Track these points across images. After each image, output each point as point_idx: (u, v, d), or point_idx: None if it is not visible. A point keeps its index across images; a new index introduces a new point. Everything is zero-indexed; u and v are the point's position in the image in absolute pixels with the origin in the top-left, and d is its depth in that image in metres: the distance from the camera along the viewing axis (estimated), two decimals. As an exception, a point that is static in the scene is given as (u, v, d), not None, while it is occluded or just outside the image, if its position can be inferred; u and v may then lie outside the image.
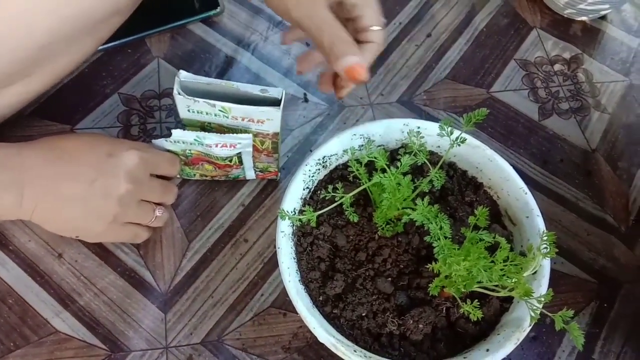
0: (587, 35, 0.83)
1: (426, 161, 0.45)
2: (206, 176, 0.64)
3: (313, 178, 0.51)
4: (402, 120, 0.52)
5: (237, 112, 0.53)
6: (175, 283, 0.60)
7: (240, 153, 0.49)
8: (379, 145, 0.54)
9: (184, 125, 0.57)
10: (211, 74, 0.74)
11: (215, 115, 0.54)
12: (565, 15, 0.83)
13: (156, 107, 0.71)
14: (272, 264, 0.62)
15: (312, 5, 0.48)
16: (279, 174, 0.66)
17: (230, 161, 0.45)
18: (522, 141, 0.73)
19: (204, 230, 0.63)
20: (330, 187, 0.46)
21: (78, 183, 0.50)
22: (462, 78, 0.77)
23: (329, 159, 0.52)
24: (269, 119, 0.54)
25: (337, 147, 0.52)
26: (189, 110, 0.54)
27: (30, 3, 0.49)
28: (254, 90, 0.53)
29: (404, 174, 0.46)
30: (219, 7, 0.77)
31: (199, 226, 0.63)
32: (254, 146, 0.59)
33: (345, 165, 0.53)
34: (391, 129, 0.53)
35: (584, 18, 0.83)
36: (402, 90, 0.75)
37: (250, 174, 0.64)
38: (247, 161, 0.60)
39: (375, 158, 0.44)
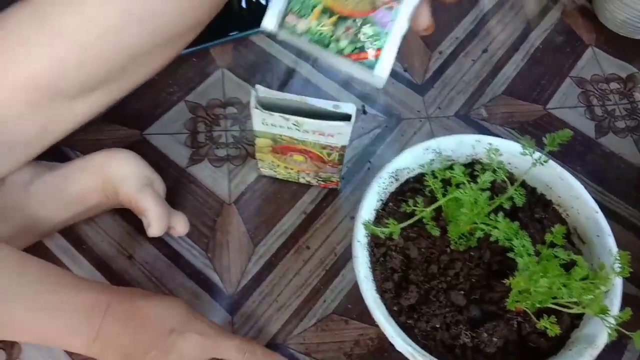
0: (643, 54, 0.83)
1: (505, 179, 0.46)
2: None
3: (386, 190, 0.53)
4: (474, 136, 0.54)
5: (309, 126, 0.55)
6: (242, 286, 0.62)
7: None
8: (449, 160, 0.55)
9: (254, 135, 0.59)
10: (272, 84, 0.76)
11: (288, 128, 0.56)
12: (621, 34, 0.83)
13: (221, 116, 0.73)
14: (334, 271, 0.63)
15: None
16: (340, 183, 0.67)
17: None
18: (578, 158, 0.73)
19: (268, 236, 0.65)
20: (410, 201, 0.47)
21: (136, 347, 0.49)
22: (518, 94, 0.78)
23: (401, 172, 0.53)
24: (339, 133, 0.55)
25: (409, 161, 0.53)
26: (263, 123, 0.56)
27: (124, 18, 0.52)
28: (327, 105, 0.54)
29: (481, 190, 0.47)
30: (281, 19, 0.79)
31: (264, 231, 0.65)
32: (320, 157, 0.61)
33: (415, 178, 0.55)
34: (463, 144, 0.54)
35: (640, 37, 0.83)
36: (459, 104, 0.77)
37: (386, 63, 0.42)
38: (405, 12, 0.42)
39: (455, 175, 0.45)
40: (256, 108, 0.55)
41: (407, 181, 0.54)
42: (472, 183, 0.47)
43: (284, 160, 0.63)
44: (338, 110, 0.55)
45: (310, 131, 0.56)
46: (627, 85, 0.80)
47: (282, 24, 0.40)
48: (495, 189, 0.50)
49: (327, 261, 0.64)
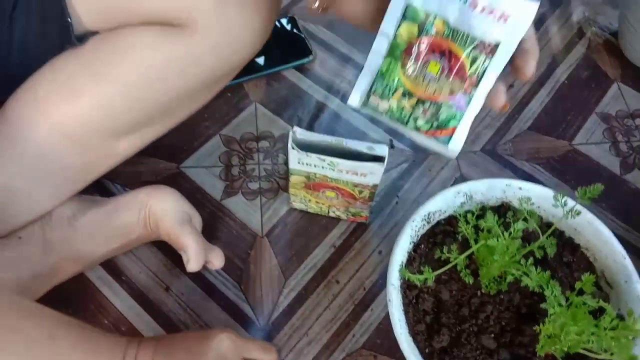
0: (668, 90, 0.84)
1: (537, 227, 0.48)
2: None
3: (418, 233, 0.54)
4: (504, 180, 0.55)
5: (343, 166, 0.57)
6: (273, 319, 0.64)
7: (496, 48, 0.39)
8: (479, 202, 0.56)
9: (288, 173, 0.62)
10: (303, 118, 0.78)
11: (323, 167, 0.59)
12: (647, 70, 0.84)
13: (254, 149, 0.75)
14: (363, 305, 0.65)
15: None
16: (368, 218, 0.69)
17: (473, 62, 0.39)
18: (604, 195, 0.73)
19: (298, 269, 0.67)
20: (445, 247, 0.49)
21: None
22: (544, 129, 0.79)
23: (433, 214, 0.55)
24: (372, 173, 0.58)
25: (441, 204, 0.55)
26: (299, 162, 0.59)
27: (168, 64, 0.55)
28: (362, 147, 0.57)
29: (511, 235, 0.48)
30: (311, 55, 0.82)
31: (294, 265, 0.67)
32: (350, 194, 0.63)
33: (446, 220, 0.56)
34: (493, 188, 0.55)
35: (665, 73, 0.84)
36: (485, 139, 0.78)
37: (461, 136, 0.43)
38: (487, 85, 0.42)
39: (489, 227, 0.47)
40: (293, 149, 0.57)
41: (438, 223, 0.56)
42: (503, 229, 0.48)
43: (316, 196, 0.65)
44: (372, 152, 0.57)
45: (344, 170, 0.58)
46: (652, 122, 0.81)
47: (365, 102, 0.42)
48: (527, 234, 0.52)
49: (356, 295, 0.66)
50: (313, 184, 0.63)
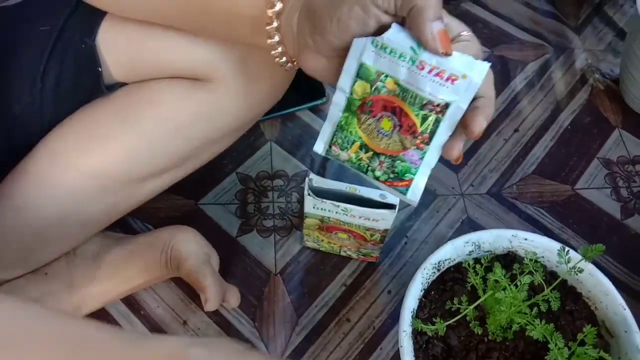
0: (667, 137, 0.87)
1: (542, 281, 0.50)
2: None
3: (428, 280, 0.57)
4: (510, 231, 0.58)
5: (356, 212, 0.61)
6: (286, 356, 0.66)
7: (447, 108, 0.39)
8: (487, 251, 0.59)
9: (303, 216, 0.65)
10: (316, 158, 0.81)
11: (337, 212, 0.62)
12: (647, 117, 0.88)
13: (269, 187, 0.78)
14: (372, 344, 0.67)
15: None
16: (379, 258, 0.72)
17: (424, 120, 0.40)
18: (605, 239, 0.77)
19: (310, 307, 0.70)
20: (455, 299, 0.52)
21: None
22: (547, 174, 0.82)
23: (443, 262, 0.58)
24: (383, 219, 0.61)
25: (450, 253, 0.58)
26: (314, 207, 0.62)
27: (194, 117, 0.58)
28: (374, 195, 0.60)
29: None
30: (324, 97, 0.86)
31: (307, 303, 0.70)
32: (362, 236, 0.66)
33: (455, 267, 0.59)
34: (500, 238, 0.58)
35: (664, 120, 0.88)
36: (491, 182, 0.81)
37: (419, 185, 0.45)
38: (440, 140, 0.43)
39: (496, 278, 0.50)
40: (309, 195, 0.60)
41: (448, 270, 0.59)
42: (509, 281, 0.51)
43: (329, 237, 0.68)
44: (384, 200, 0.60)
45: (357, 216, 0.61)
46: (652, 168, 0.84)
47: (328, 151, 0.45)
48: (532, 284, 0.54)
49: (366, 334, 0.68)
50: (327, 227, 0.66)
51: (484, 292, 0.53)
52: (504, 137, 0.86)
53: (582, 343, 0.50)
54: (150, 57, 0.57)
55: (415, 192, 0.43)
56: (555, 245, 0.56)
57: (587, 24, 1.00)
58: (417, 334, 0.55)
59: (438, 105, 0.39)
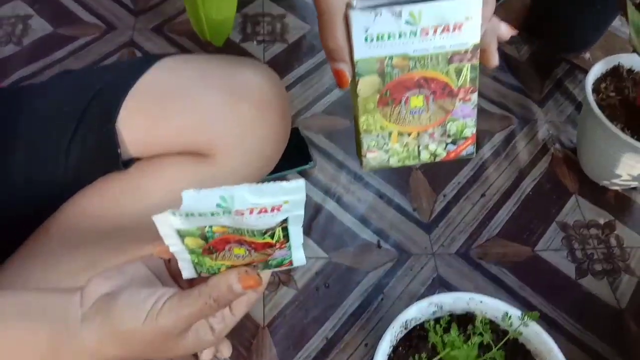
0: (619, 203, 0.97)
1: (491, 341, 0.59)
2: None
3: (397, 337, 0.65)
4: (468, 294, 0.67)
5: (429, 19, 0.40)
6: (271, 404, 0.74)
7: (286, 220, 0.36)
8: (448, 311, 0.68)
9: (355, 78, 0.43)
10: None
11: (400, 36, 0.40)
12: (601, 184, 0.98)
13: (260, 247, 0.87)
14: (349, 393, 0.75)
15: None
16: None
17: (272, 237, 0.35)
18: (561, 297, 0.86)
19: (294, 359, 0.77)
20: (417, 356, 0.60)
21: None
22: (511, 236, 0.92)
23: (410, 321, 0.66)
24: (468, 18, 0.40)
25: (416, 313, 0.66)
26: (366, 39, 0.41)
27: (193, 185, 0.67)
28: None
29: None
30: (312, 162, 0.95)
31: (291, 355, 0.78)
32: (448, 86, 0.43)
33: (420, 326, 0.68)
34: (459, 300, 0.67)
35: (617, 188, 0.98)
36: (460, 243, 0.90)
37: (299, 256, 0.41)
38: (296, 234, 0.38)
39: (451, 339, 0.58)
40: (356, 8, 0.40)
41: (414, 328, 0.67)
42: (464, 339, 0.59)
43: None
44: None
45: (431, 30, 0.40)
46: (604, 231, 0.94)
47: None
48: (483, 343, 0.63)
49: (344, 384, 0.76)
50: (394, 85, 0.42)
51: (443, 349, 0.61)
52: (472, 202, 0.95)
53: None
54: (162, 137, 0.67)
55: (301, 259, 0.41)
56: (504, 308, 0.64)
57: (550, 98, 1.12)
58: (386, 387, 0.63)
59: (277, 224, 0.36)
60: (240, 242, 0.38)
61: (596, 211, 0.96)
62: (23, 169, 0.65)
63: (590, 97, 0.88)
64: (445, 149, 0.41)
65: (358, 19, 0.39)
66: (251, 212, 0.35)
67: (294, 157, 0.96)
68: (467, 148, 0.41)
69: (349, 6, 0.40)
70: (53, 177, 0.66)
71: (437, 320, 0.65)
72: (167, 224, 0.37)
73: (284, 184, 0.35)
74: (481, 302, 0.67)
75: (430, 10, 0.38)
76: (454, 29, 0.39)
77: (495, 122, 1.07)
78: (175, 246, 0.38)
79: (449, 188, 0.97)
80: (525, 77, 1.15)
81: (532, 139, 1.05)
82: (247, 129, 0.65)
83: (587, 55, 1.20)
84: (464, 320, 0.67)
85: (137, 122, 0.65)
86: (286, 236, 0.38)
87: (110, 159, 0.66)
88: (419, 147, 0.41)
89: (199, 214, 0.36)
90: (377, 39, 0.39)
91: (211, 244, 0.38)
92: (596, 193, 0.98)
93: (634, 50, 0.82)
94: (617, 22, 1.23)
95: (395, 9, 0.38)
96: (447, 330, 0.62)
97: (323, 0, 0.41)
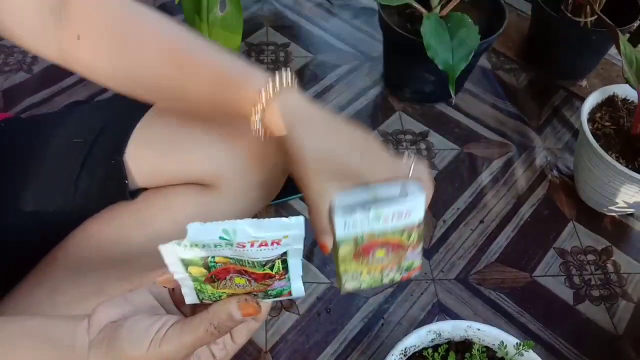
0: (616, 229, 0.99)
1: (487, 370, 0.60)
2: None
3: (396, 364, 0.67)
4: (466, 322, 0.68)
5: (388, 212, 0.53)
6: None
7: (285, 253, 0.39)
8: (447, 338, 0.69)
9: (336, 251, 0.55)
10: (305, 244, 0.92)
11: (369, 224, 0.53)
12: (598, 211, 1.00)
13: (262, 272, 0.89)
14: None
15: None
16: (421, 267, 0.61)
17: (272, 268, 0.38)
18: (558, 322, 0.87)
19: (296, 384, 0.79)
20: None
21: None
22: (509, 262, 0.93)
23: (409, 349, 0.68)
24: (415, 208, 0.53)
25: (415, 341, 0.68)
26: (345, 227, 0.52)
27: (196, 218, 0.69)
28: (394, 192, 0.54)
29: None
30: (314, 188, 0.97)
31: (293, 380, 0.79)
32: (399, 244, 0.56)
33: (419, 352, 0.69)
34: (457, 328, 0.68)
35: (613, 214, 0.99)
36: (459, 269, 0.92)
37: (297, 287, 0.43)
38: (294, 266, 0.41)
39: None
40: (338, 213, 0.52)
41: (413, 355, 0.69)
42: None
43: (367, 264, 0.57)
44: (406, 190, 0.54)
45: (390, 217, 0.53)
46: (601, 257, 0.95)
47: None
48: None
49: (344, 409, 0.77)
50: (362, 248, 0.55)
51: (442, 377, 0.62)
52: (470, 228, 0.97)
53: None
54: (168, 169, 0.69)
55: (299, 290, 0.43)
56: (500, 336, 0.66)
57: (547, 125, 1.14)
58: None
59: (277, 257, 0.39)
60: (241, 272, 0.40)
61: (593, 237, 0.97)
62: (33, 196, 0.67)
63: (586, 127, 0.90)
64: (400, 275, 0.56)
65: (339, 220, 0.52)
66: (252, 244, 0.37)
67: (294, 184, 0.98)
68: (415, 273, 0.57)
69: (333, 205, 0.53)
70: (62, 205, 0.68)
71: (435, 348, 0.66)
72: (173, 253, 0.39)
73: (284, 220, 0.37)
74: (478, 329, 0.68)
75: (392, 209, 0.53)
76: (406, 216, 0.54)
77: (494, 149, 1.09)
78: (179, 274, 0.41)
79: (448, 214, 0.99)
80: (523, 105, 1.17)
81: (530, 166, 1.07)
82: (249, 162, 0.67)
83: (584, 82, 1.23)
84: (462, 348, 0.69)
85: (144, 154, 0.68)
86: (285, 268, 0.40)
87: (118, 189, 0.68)
88: (382, 276, 0.56)
89: (202, 245, 0.38)
90: (353, 226, 0.53)
91: (213, 273, 0.40)
92: (593, 219, 0.99)
93: (627, 82, 0.85)
94: (614, 50, 1.25)
95: (363, 210, 0.52)
96: (445, 357, 0.63)
97: (309, 197, 0.53)
